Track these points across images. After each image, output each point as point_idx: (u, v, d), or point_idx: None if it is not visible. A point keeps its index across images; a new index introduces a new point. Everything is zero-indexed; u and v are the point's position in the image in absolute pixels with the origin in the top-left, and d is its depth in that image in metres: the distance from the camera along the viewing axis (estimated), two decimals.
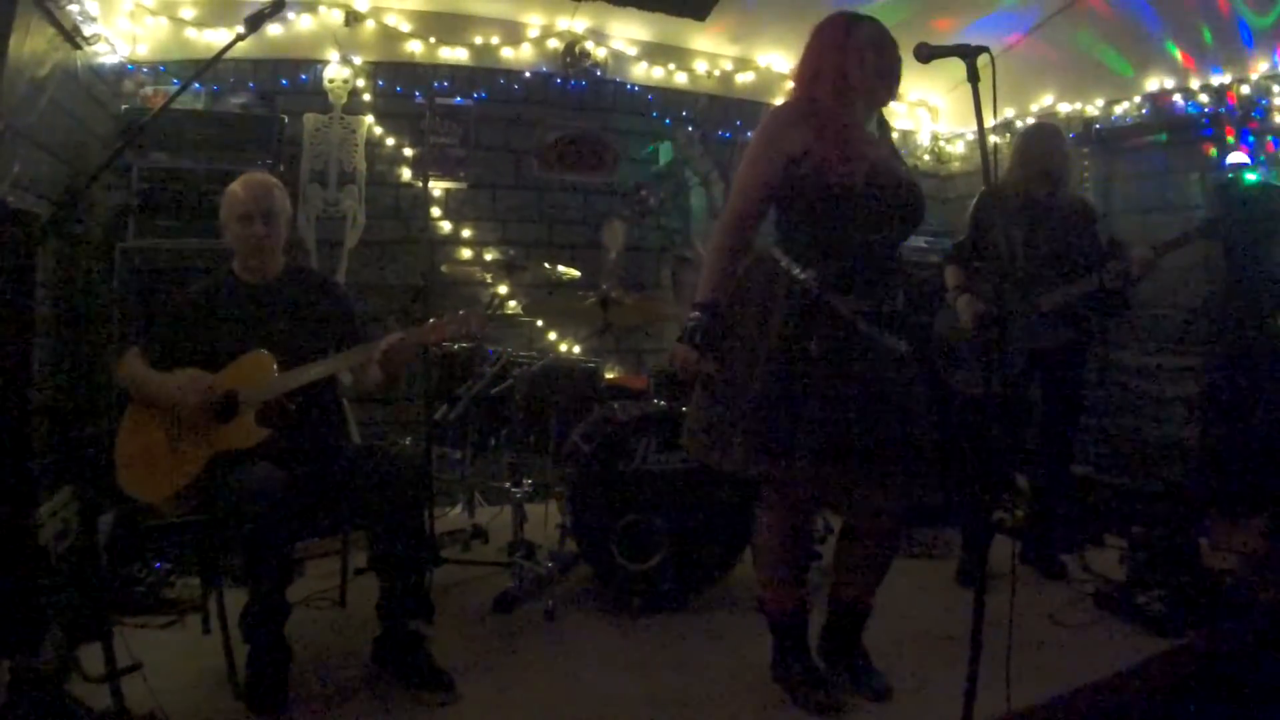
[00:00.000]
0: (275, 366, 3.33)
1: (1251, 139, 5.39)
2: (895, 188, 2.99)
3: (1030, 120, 6.78)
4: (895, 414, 2.96)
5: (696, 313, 3.05)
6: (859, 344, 2.94)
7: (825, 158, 2.91)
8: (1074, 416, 4.79)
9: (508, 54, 6.55)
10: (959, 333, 4.58)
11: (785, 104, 3.17)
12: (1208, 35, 5.50)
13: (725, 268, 3.08)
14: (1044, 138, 4.69)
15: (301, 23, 5.93)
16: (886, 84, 3.04)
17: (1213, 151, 5.68)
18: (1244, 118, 5.42)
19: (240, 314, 3.48)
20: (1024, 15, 6.24)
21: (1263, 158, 5.31)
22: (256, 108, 5.74)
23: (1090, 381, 6.24)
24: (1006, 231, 4.50)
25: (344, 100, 6.00)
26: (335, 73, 5.99)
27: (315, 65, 6.02)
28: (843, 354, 2.91)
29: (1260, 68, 5.34)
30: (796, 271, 2.97)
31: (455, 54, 6.41)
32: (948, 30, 6.10)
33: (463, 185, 6.46)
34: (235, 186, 3.56)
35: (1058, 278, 4.47)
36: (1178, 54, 5.73)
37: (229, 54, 2.86)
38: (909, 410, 3.00)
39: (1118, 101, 6.29)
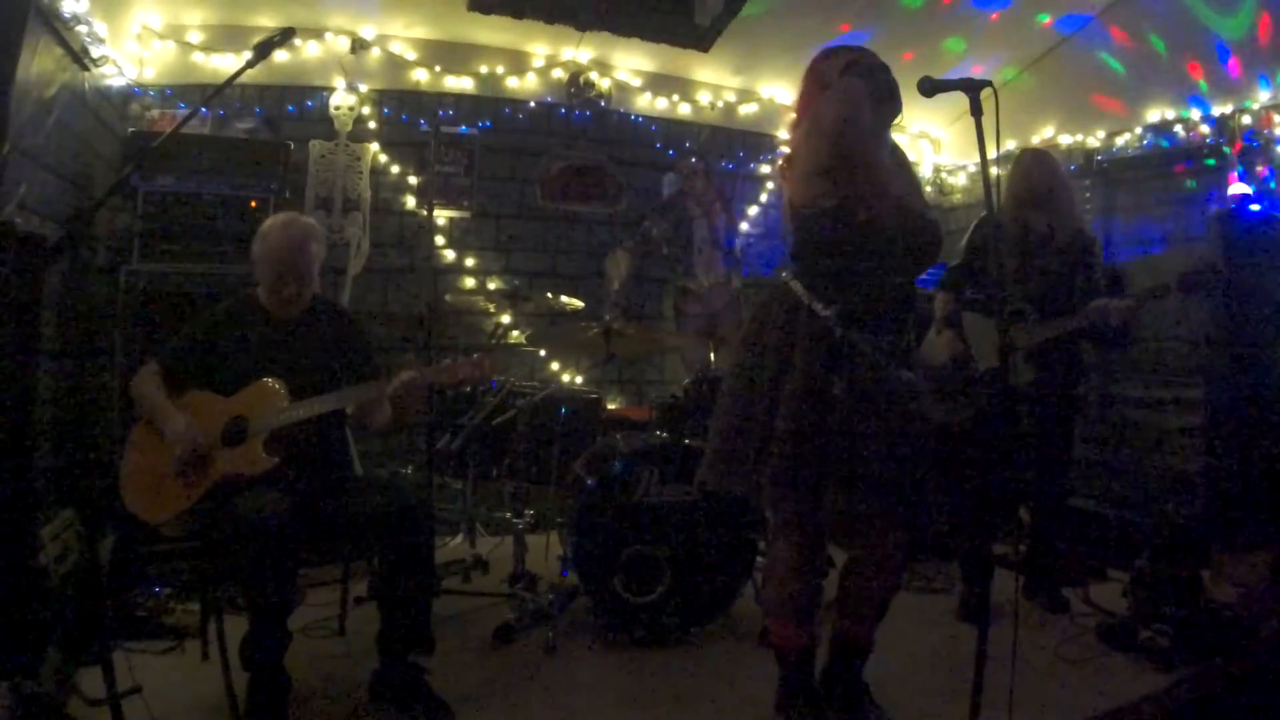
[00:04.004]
0: (286, 395, 3.33)
1: (1254, 168, 5.40)
2: (917, 225, 3.01)
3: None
4: (907, 446, 2.97)
5: None
6: (879, 380, 2.95)
7: (854, 192, 2.91)
8: (1064, 452, 4.70)
9: (513, 83, 6.59)
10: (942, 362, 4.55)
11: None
12: (1209, 66, 5.53)
13: None
14: (1039, 164, 4.57)
15: (308, 50, 5.97)
16: (887, 103, 3.05)
17: (1214, 181, 5.70)
18: (1245, 148, 5.43)
19: (261, 343, 3.47)
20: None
21: (1266, 187, 5.32)
22: (262, 133, 5.77)
23: (1092, 414, 6.23)
24: (1000, 262, 4.42)
25: (349, 127, 6.03)
26: (341, 100, 6.03)
27: (321, 92, 6.06)
28: (865, 392, 2.93)
29: (1261, 98, 5.36)
30: (818, 308, 2.97)
31: (460, 83, 6.44)
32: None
33: (467, 214, 6.48)
34: (274, 237, 3.49)
35: (1041, 315, 4.41)
36: (1193, 83, 5.74)
37: (236, 80, 2.88)
38: (916, 441, 3.01)
39: (1119, 133, 6.31)
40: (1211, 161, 5.70)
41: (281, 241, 3.48)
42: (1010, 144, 7.00)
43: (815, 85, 3.12)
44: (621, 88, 6.93)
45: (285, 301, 3.53)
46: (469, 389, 4.69)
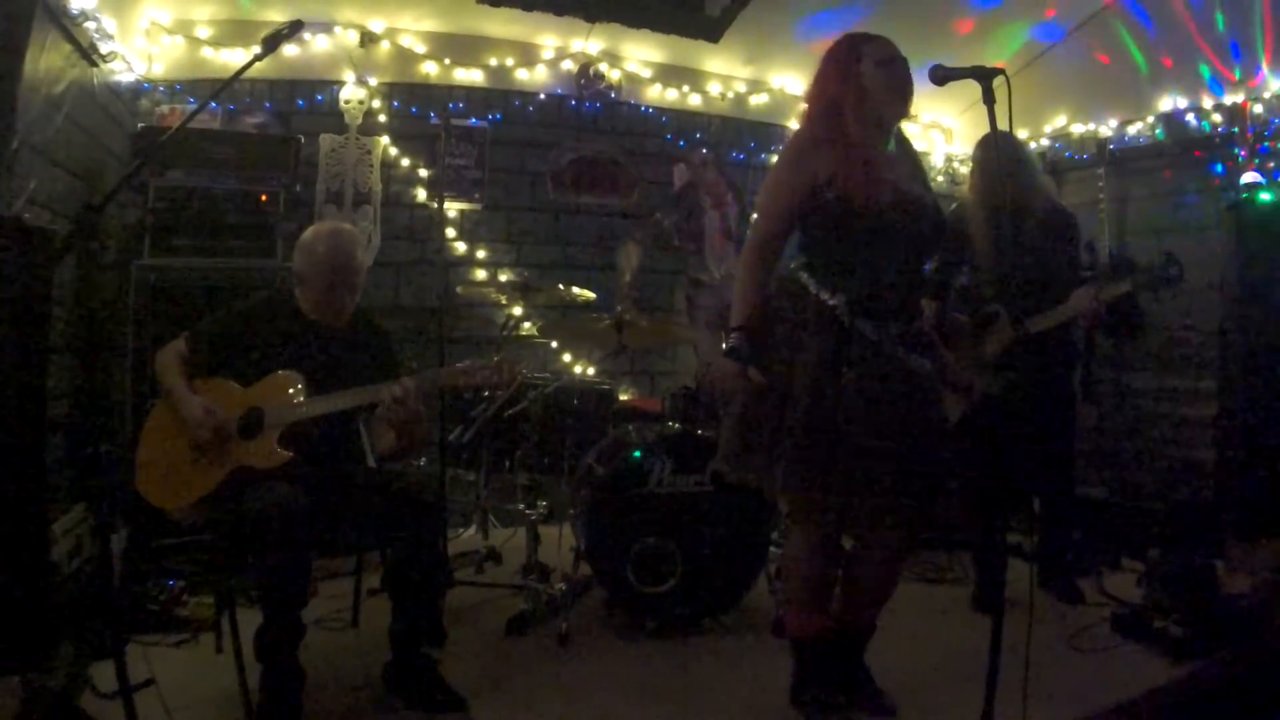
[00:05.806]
0: (301, 388, 3.32)
1: (1266, 158, 5.37)
2: (919, 210, 3.00)
3: (1044, 141, 6.79)
4: (921, 435, 2.97)
5: (735, 334, 3.03)
6: (890, 368, 2.95)
7: (850, 181, 2.91)
8: (1067, 441, 4.71)
9: (522, 76, 6.58)
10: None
11: (805, 128, 3.17)
12: (1221, 55, 5.50)
13: (754, 291, 3.08)
14: (999, 146, 4.06)
15: (317, 44, 5.97)
16: (896, 99, 3.03)
17: (1226, 170, 5.67)
18: (1258, 137, 5.41)
19: (292, 344, 3.45)
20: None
21: (1277, 176, 5.29)
22: (272, 128, 5.77)
23: (1107, 405, 6.22)
24: (973, 257, 4.35)
25: (359, 121, 6.02)
26: (351, 93, 6.02)
27: (331, 86, 6.05)
28: (876, 380, 2.92)
29: (1273, 86, 5.33)
30: (825, 297, 2.96)
31: (470, 75, 6.43)
32: (968, 33, 6.14)
33: (478, 206, 6.47)
34: (323, 248, 3.46)
35: (1024, 308, 4.26)
36: (1205, 71, 5.71)
37: (245, 74, 2.87)
38: (931, 431, 3.01)
39: (1131, 121, 6.28)
40: (1224, 150, 5.67)
41: (332, 252, 3.46)
42: (1022, 132, 6.95)
43: (835, 69, 3.10)
44: (631, 79, 6.90)
45: (335, 312, 3.52)
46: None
